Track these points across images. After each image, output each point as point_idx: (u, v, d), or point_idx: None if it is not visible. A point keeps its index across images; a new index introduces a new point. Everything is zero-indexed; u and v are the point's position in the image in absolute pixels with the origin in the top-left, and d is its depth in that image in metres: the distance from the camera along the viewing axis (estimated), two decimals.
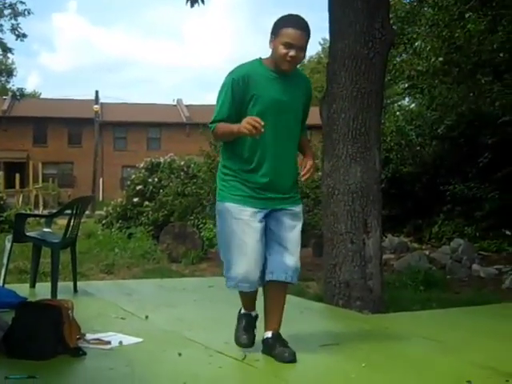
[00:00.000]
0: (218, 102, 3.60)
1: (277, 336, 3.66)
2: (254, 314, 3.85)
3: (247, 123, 3.32)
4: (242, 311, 3.85)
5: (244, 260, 3.54)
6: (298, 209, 3.75)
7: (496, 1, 11.15)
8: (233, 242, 3.57)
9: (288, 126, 3.60)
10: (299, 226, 3.72)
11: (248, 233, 3.54)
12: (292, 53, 3.47)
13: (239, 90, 3.50)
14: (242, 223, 3.55)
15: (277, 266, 3.61)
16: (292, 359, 3.54)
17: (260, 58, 3.66)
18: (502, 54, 11.60)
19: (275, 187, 3.61)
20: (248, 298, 3.78)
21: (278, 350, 3.58)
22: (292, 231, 3.67)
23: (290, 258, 3.63)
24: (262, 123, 3.30)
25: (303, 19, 3.58)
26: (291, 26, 3.49)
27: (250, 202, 3.59)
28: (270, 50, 3.58)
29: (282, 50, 3.48)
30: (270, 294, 3.70)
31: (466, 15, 11.87)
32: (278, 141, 3.56)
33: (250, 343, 3.76)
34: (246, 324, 3.80)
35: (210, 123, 3.59)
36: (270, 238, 3.65)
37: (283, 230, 3.65)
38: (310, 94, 3.80)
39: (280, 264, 3.61)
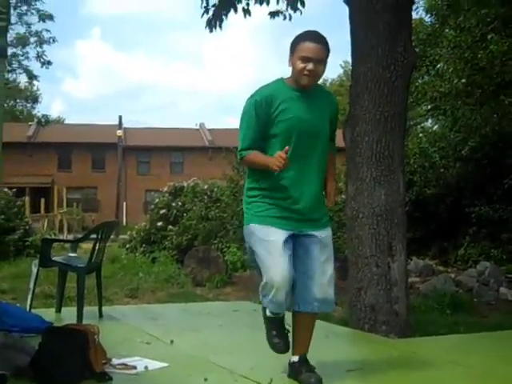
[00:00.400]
0: (241, 126, 3.55)
1: (304, 360, 3.61)
2: (281, 314, 3.67)
3: (276, 160, 3.30)
4: (268, 314, 3.63)
5: (276, 269, 3.41)
6: (327, 233, 3.65)
7: None
8: (264, 264, 3.46)
9: (314, 144, 3.52)
10: (328, 254, 3.61)
11: (275, 253, 3.41)
12: (310, 66, 3.41)
13: (262, 111, 3.45)
14: (269, 244, 3.44)
15: (302, 298, 3.55)
16: None
17: (282, 78, 3.61)
18: None
19: (302, 207, 3.52)
20: (276, 321, 3.61)
21: (305, 375, 3.53)
22: (320, 262, 3.56)
23: (317, 289, 3.53)
24: (287, 160, 3.29)
25: (319, 33, 3.52)
26: (308, 40, 3.45)
27: (277, 222, 3.48)
28: (290, 69, 3.52)
29: (300, 64, 3.43)
30: (298, 320, 3.63)
31: (489, 36, 11.84)
32: (305, 159, 3.48)
33: (286, 348, 3.63)
34: (277, 326, 3.62)
35: (239, 151, 3.54)
36: (296, 266, 3.52)
37: (311, 259, 3.55)
38: (335, 109, 3.73)
39: (305, 297, 3.54)
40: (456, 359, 4.43)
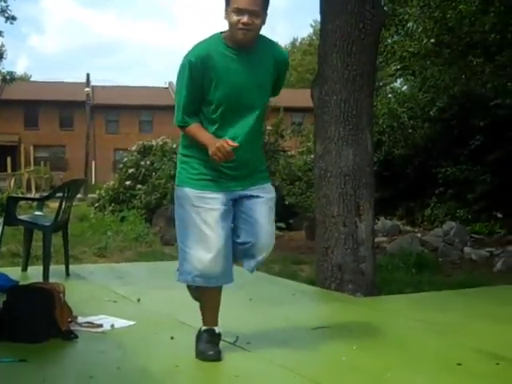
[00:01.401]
0: (177, 90, 3.25)
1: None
2: (217, 330, 3.42)
3: (218, 150, 3.06)
4: (202, 328, 3.41)
5: (204, 252, 3.20)
6: (267, 186, 3.43)
7: None
8: (191, 232, 3.23)
9: (252, 104, 3.25)
10: (273, 211, 3.42)
11: (210, 222, 3.19)
12: (244, 19, 3.05)
13: (198, 73, 3.14)
14: (202, 211, 3.21)
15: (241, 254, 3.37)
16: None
17: (220, 33, 3.23)
18: (493, 36, 11.55)
19: (239, 165, 3.26)
20: (207, 300, 3.41)
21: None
22: (265, 223, 3.34)
23: (262, 251, 3.36)
24: (234, 145, 3.07)
25: None
26: None
27: (213, 185, 3.26)
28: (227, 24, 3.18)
29: (234, 17, 3.07)
30: None
31: None
32: (242, 121, 3.24)
33: (218, 356, 3.32)
34: (209, 339, 3.36)
35: (176, 121, 3.27)
36: (241, 223, 3.34)
37: (254, 221, 3.32)
38: (283, 64, 3.37)
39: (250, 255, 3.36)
40: (420, 316, 4.52)
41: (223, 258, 3.22)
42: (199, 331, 3.42)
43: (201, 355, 3.32)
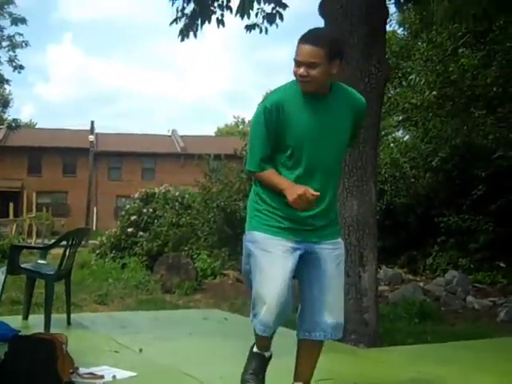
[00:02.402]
0: (251, 137, 3.22)
1: None
2: (267, 354, 3.41)
3: (300, 199, 2.98)
4: (255, 349, 3.39)
5: (266, 298, 3.08)
6: (340, 241, 3.30)
7: (489, 36, 11.30)
8: (257, 278, 3.13)
9: (328, 153, 3.16)
10: (341, 267, 3.27)
11: (276, 268, 3.08)
12: (300, 71, 3.03)
13: (272, 119, 3.09)
14: (270, 256, 3.10)
15: (313, 325, 3.21)
16: None
17: (295, 81, 3.17)
18: (495, 89, 11.72)
19: (318, 215, 3.16)
20: (263, 340, 3.33)
21: None
22: (334, 280, 3.20)
23: (330, 314, 3.18)
24: (315, 195, 2.97)
25: (314, 31, 3.13)
26: (300, 41, 3.05)
27: (284, 233, 3.13)
28: None
29: (294, 68, 3.07)
30: (304, 347, 3.32)
31: (460, 50, 12.01)
32: (319, 169, 3.14)
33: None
34: (257, 366, 3.35)
35: (248, 168, 3.23)
36: (305, 283, 3.22)
37: (323, 273, 3.18)
38: (360, 111, 3.30)
39: (316, 323, 3.20)
40: (424, 369, 4.47)
41: (281, 308, 3.08)
42: (251, 350, 3.42)
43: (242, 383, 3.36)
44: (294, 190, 3.02)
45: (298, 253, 3.14)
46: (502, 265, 11.91)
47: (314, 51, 3.00)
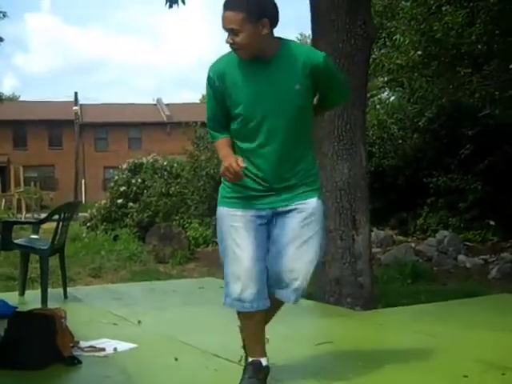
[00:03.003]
0: (206, 103, 3.20)
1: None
2: (264, 362, 3.15)
3: (227, 170, 2.87)
4: (249, 359, 3.17)
5: (236, 274, 3.02)
6: (310, 201, 3.12)
7: None
8: (226, 253, 3.07)
9: (277, 114, 3.01)
10: (313, 228, 3.11)
11: (239, 242, 3.02)
12: (228, 39, 2.94)
13: (217, 88, 3.05)
14: (233, 231, 3.05)
15: (277, 284, 3.10)
16: None
17: None
18: (480, 46, 11.65)
19: (271, 180, 3.07)
20: (249, 327, 3.15)
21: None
22: (296, 238, 3.07)
23: (294, 276, 3.07)
24: (241, 166, 2.84)
25: None
26: (223, 8, 2.93)
27: (244, 203, 3.08)
28: None
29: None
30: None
31: (444, 8, 11.90)
32: (275, 135, 3.02)
33: None
34: (251, 373, 3.09)
35: (210, 134, 3.22)
36: (270, 244, 3.11)
37: (285, 234, 3.08)
38: (316, 67, 3.03)
39: (281, 283, 3.09)
40: (421, 329, 4.54)
41: (254, 281, 3.00)
42: (245, 361, 3.23)
43: None
44: (224, 162, 2.93)
45: (263, 220, 3.08)
46: (492, 223, 12.01)
47: (232, 17, 2.88)
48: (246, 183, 3.04)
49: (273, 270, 3.07)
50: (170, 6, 7.89)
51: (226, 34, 2.94)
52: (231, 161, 2.88)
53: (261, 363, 3.12)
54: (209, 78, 3.06)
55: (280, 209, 3.09)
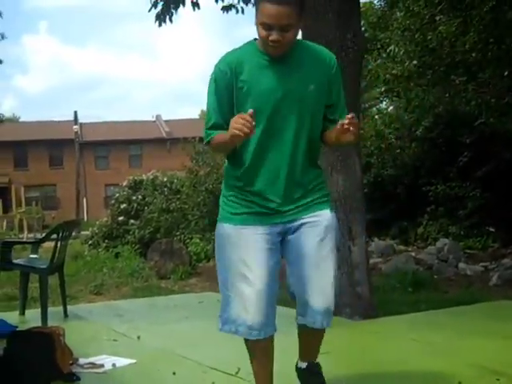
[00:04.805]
0: (207, 102, 2.86)
1: (311, 367, 3.20)
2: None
3: (235, 123, 2.55)
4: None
5: (244, 299, 2.78)
6: (323, 213, 2.87)
7: (465, 3, 11.31)
8: (230, 274, 2.81)
9: (296, 116, 2.77)
10: (329, 244, 2.86)
11: (251, 264, 2.76)
12: (273, 36, 2.63)
13: (226, 82, 2.75)
14: (243, 251, 2.78)
15: (303, 309, 2.91)
16: None
17: (254, 41, 2.83)
18: (474, 55, 11.72)
19: (284, 192, 2.80)
20: (257, 353, 2.96)
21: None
22: (316, 258, 2.82)
23: (318, 298, 2.85)
24: (251, 119, 2.53)
25: None
26: (268, 1, 2.59)
27: (254, 219, 2.81)
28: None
29: (262, 31, 2.66)
30: (304, 333, 3.09)
31: (437, 18, 12.00)
32: (285, 136, 2.77)
33: None
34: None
35: (205, 135, 2.85)
36: (290, 266, 2.90)
37: (303, 257, 2.83)
38: (331, 70, 2.87)
39: (305, 309, 2.90)
40: (418, 336, 4.56)
41: (265, 306, 2.78)
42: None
43: None
44: (229, 130, 2.61)
45: (276, 237, 2.83)
46: (492, 229, 12.02)
47: (288, 12, 2.59)
48: (258, 199, 2.81)
49: (300, 296, 2.88)
50: (160, 25, 8.02)
51: (264, 30, 2.65)
52: (234, 119, 2.60)
53: None
54: (218, 72, 2.79)
55: (293, 224, 2.85)
